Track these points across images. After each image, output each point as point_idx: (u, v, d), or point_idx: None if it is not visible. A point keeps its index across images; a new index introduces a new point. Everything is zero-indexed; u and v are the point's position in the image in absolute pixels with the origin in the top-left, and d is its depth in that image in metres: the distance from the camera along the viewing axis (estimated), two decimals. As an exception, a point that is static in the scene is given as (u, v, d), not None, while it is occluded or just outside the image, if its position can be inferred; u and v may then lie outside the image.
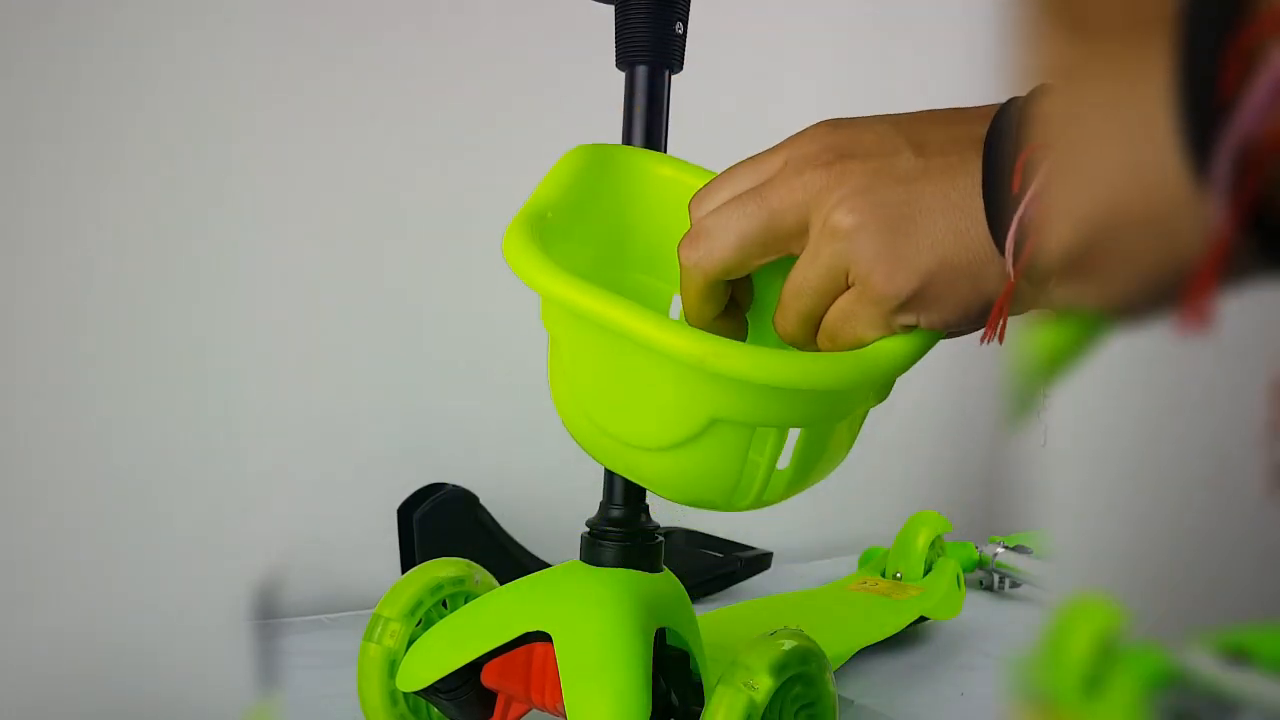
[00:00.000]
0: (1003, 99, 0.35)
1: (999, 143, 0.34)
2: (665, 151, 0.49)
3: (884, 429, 1.15)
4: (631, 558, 0.48)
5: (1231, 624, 0.27)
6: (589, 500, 0.51)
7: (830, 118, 0.39)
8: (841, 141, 0.37)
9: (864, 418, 0.44)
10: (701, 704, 0.47)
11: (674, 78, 0.50)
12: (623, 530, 0.49)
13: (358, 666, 0.51)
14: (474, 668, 0.48)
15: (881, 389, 0.42)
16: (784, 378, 0.36)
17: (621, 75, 0.50)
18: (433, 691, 0.49)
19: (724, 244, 0.38)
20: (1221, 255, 0.23)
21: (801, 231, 0.37)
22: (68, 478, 0.49)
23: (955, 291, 0.36)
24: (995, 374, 1.09)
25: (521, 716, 0.51)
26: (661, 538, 0.50)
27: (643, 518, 0.49)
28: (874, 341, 0.38)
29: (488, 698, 0.50)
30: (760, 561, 0.88)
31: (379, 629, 0.51)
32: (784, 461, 0.41)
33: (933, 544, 0.82)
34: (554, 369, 0.46)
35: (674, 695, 0.47)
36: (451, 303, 0.87)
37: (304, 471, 0.81)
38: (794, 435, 0.41)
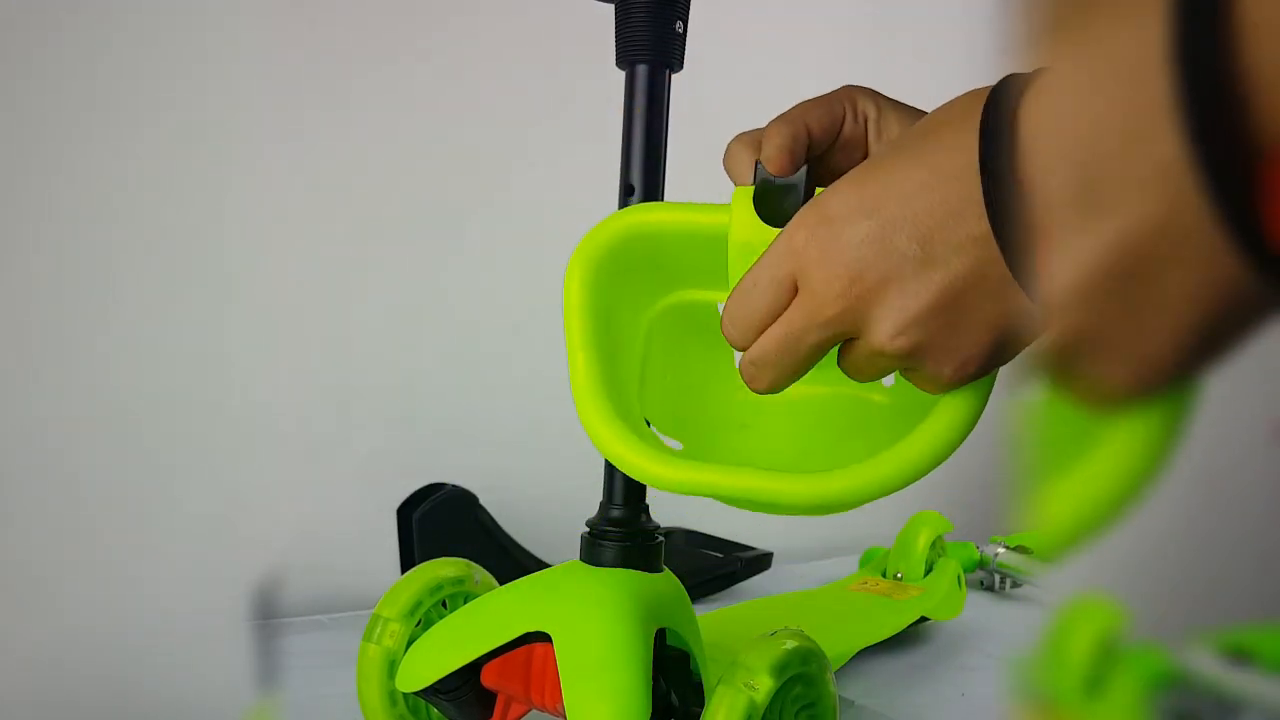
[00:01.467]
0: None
1: (1008, 232, 0.32)
2: (666, 150, 0.49)
3: (884, 429, 1.15)
4: (631, 558, 0.48)
5: (1232, 624, 0.27)
6: (589, 500, 0.51)
7: (806, 214, 0.37)
8: (847, 264, 0.36)
9: None
10: (701, 704, 0.47)
11: (674, 77, 0.50)
12: (623, 530, 0.49)
13: (357, 667, 0.51)
14: (474, 668, 0.48)
15: None
16: (895, 486, 0.41)
17: (621, 74, 0.50)
18: (432, 692, 0.49)
19: (780, 377, 0.40)
20: None
21: (845, 338, 0.38)
22: (68, 479, 0.49)
23: (1017, 346, 0.37)
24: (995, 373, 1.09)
25: (521, 717, 0.51)
26: (661, 538, 0.50)
27: (643, 518, 0.49)
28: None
29: (487, 698, 0.50)
30: (760, 561, 0.88)
31: (378, 629, 0.51)
32: None
33: (933, 544, 0.82)
34: None
35: (674, 695, 0.47)
36: (451, 303, 0.87)
37: (304, 471, 0.81)
38: None
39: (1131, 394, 0.28)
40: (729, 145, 0.47)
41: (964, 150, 0.33)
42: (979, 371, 0.37)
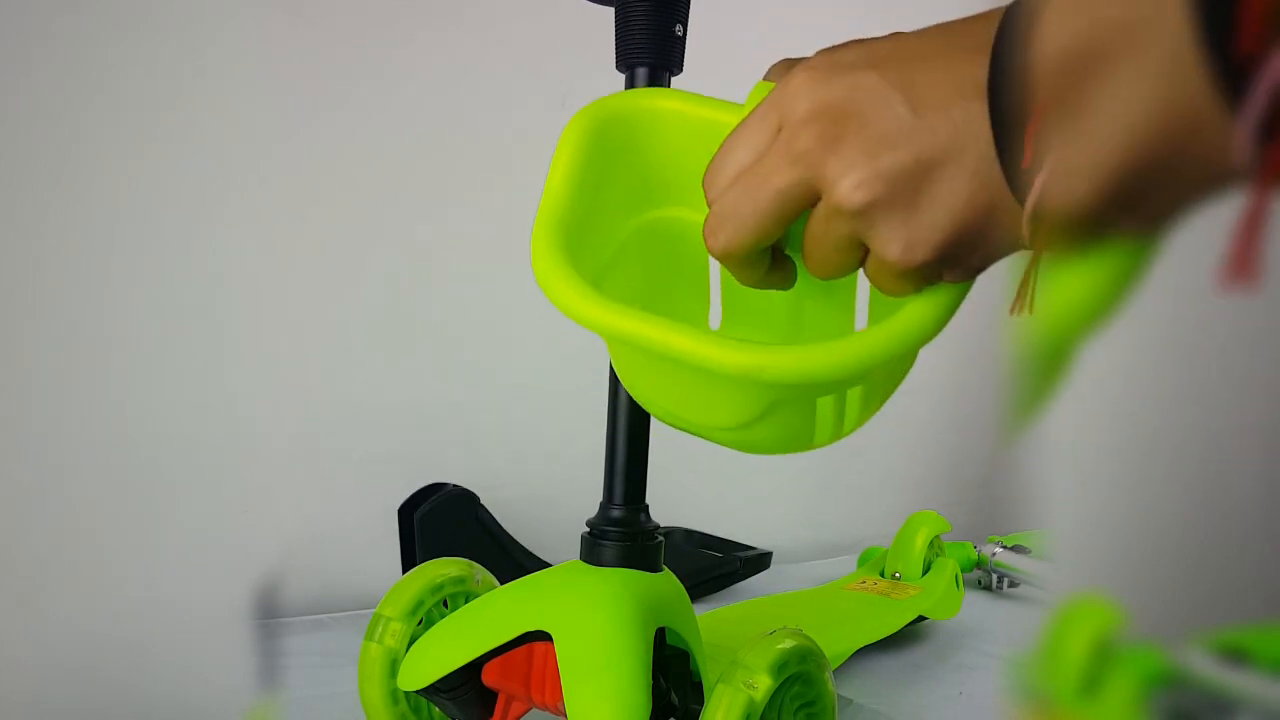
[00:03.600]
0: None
1: (1004, 95, 0.31)
2: None
3: (883, 429, 1.15)
4: (631, 558, 0.48)
5: (1229, 624, 0.28)
6: (589, 500, 0.51)
7: (814, 59, 0.37)
8: (832, 102, 0.35)
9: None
10: (701, 703, 0.47)
11: (674, 79, 0.50)
12: (623, 530, 0.49)
13: (359, 666, 0.51)
14: (475, 667, 0.48)
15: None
16: (828, 373, 0.37)
17: (622, 77, 0.50)
18: (434, 690, 0.49)
19: (739, 230, 0.37)
20: (1263, 208, 0.24)
21: (811, 197, 0.36)
22: (68, 478, 0.49)
23: (974, 251, 0.35)
24: (994, 373, 1.09)
25: (522, 716, 0.51)
26: (661, 538, 0.50)
27: (642, 517, 0.50)
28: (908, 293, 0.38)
29: (488, 697, 0.50)
30: (760, 561, 0.88)
31: (380, 628, 0.51)
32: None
33: (931, 544, 0.82)
34: (618, 364, 0.46)
35: (674, 694, 0.47)
36: (452, 303, 0.87)
37: (304, 471, 0.81)
38: None
39: (1081, 210, 0.27)
40: (770, 70, 0.43)
41: (987, 26, 0.32)
42: (925, 262, 0.35)
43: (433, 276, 0.86)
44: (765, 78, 0.43)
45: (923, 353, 0.40)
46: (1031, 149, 0.29)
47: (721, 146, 0.38)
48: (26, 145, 0.48)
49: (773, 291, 0.42)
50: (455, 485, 0.76)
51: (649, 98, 0.45)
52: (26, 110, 0.48)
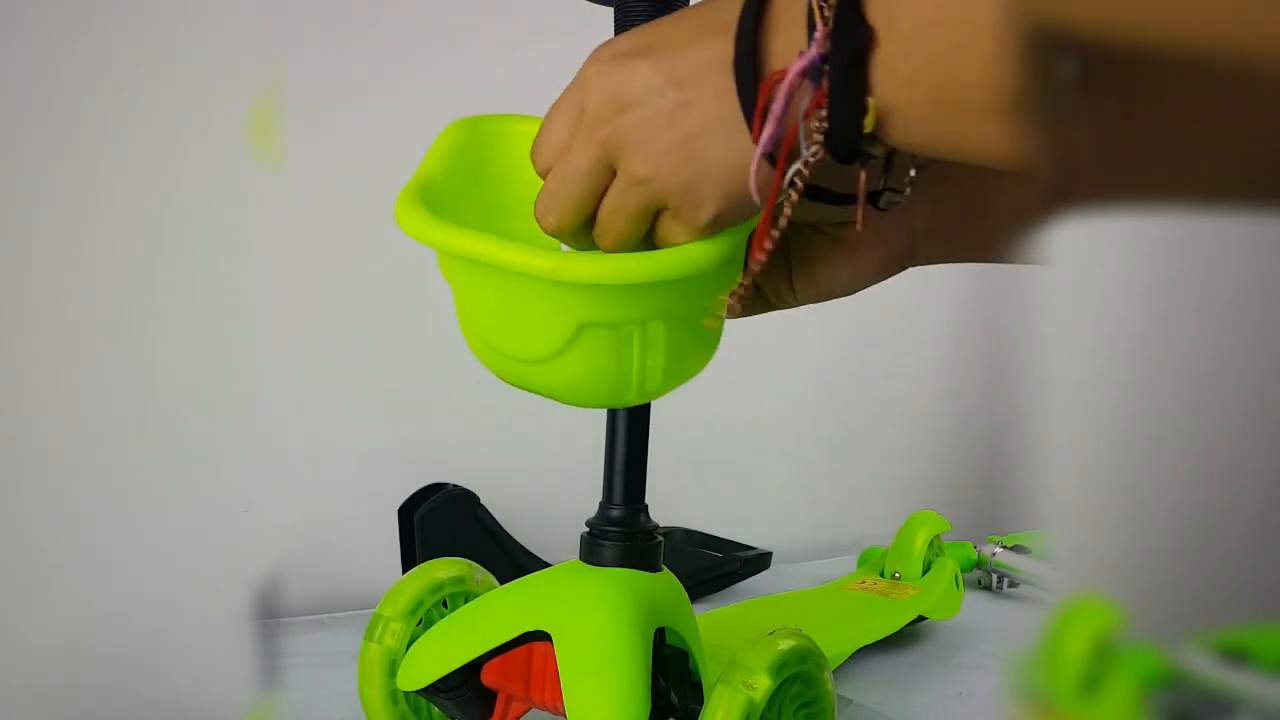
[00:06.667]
0: None
1: (742, 70, 0.38)
2: None
3: (883, 429, 1.15)
4: (631, 558, 0.48)
5: (1229, 624, 0.28)
6: (589, 500, 0.51)
7: (601, 50, 0.42)
8: (615, 91, 0.40)
9: (724, 310, 0.47)
10: (701, 703, 0.47)
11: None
12: (622, 530, 0.49)
13: (358, 666, 0.51)
14: (474, 667, 0.48)
15: (726, 280, 0.44)
16: (616, 276, 0.42)
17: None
18: (433, 691, 0.49)
19: (563, 211, 0.43)
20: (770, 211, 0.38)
21: (611, 173, 0.42)
22: (68, 478, 0.49)
23: (753, 205, 0.40)
24: (993, 374, 1.09)
25: (521, 716, 0.51)
26: (661, 537, 0.50)
27: (642, 517, 0.50)
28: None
29: (488, 697, 0.50)
30: (760, 561, 0.88)
31: (380, 628, 0.51)
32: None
33: (931, 543, 0.82)
34: (458, 310, 0.50)
35: (673, 695, 0.47)
36: (452, 303, 0.87)
37: (306, 471, 0.81)
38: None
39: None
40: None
41: (731, 6, 0.38)
42: (710, 217, 0.40)
43: (433, 276, 0.86)
44: None
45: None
46: (759, 125, 0.37)
47: (539, 130, 0.44)
48: (24, 144, 0.48)
49: None
50: (455, 485, 0.76)
51: (513, 121, 0.50)
52: (24, 110, 0.48)
